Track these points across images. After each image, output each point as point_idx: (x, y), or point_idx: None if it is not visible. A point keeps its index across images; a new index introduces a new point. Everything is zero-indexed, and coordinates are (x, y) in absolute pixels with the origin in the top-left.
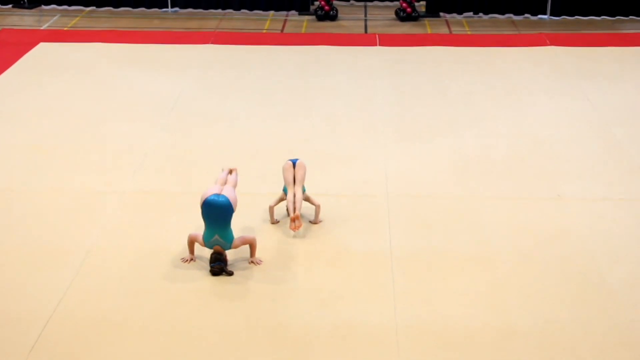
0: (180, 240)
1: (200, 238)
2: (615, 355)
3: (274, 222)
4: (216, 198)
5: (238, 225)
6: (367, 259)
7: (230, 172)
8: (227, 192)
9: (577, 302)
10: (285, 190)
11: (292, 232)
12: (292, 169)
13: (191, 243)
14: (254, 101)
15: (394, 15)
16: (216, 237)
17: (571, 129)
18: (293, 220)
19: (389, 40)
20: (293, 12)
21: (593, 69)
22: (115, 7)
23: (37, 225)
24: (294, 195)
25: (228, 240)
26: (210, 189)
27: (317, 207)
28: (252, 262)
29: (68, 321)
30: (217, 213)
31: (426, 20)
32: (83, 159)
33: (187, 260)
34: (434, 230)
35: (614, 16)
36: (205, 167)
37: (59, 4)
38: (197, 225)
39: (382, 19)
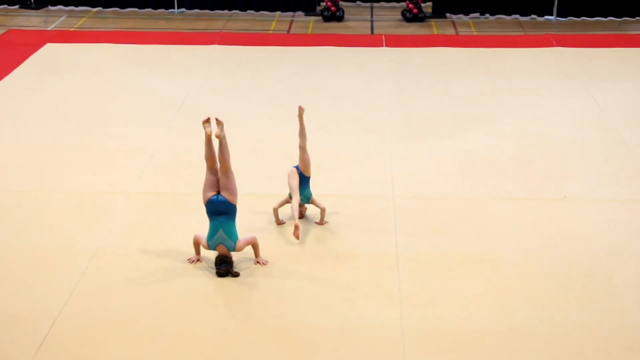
0: (186, 241)
1: (204, 240)
2: (621, 358)
3: (280, 222)
4: (217, 198)
5: (244, 226)
6: (373, 261)
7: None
8: (226, 189)
9: (583, 304)
10: (291, 195)
11: None
12: (296, 175)
13: (196, 244)
14: (259, 102)
15: (400, 16)
16: (220, 232)
17: (578, 130)
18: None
19: (395, 41)
20: (299, 12)
21: (600, 70)
22: (122, 7)
23: (43, 226)
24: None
25: (232, 238)
26: (207, 190)
27: (323, 210)
28: (257, 262)
29: (74, 322)
30: (220, 209)
31: (432, 21)
32: (89, 160)
33: (193, 261)
34: (440, 231)
35: (621, 17)
36: None
37: (66, 5)
38: (203, 226)
39: (389, 20)
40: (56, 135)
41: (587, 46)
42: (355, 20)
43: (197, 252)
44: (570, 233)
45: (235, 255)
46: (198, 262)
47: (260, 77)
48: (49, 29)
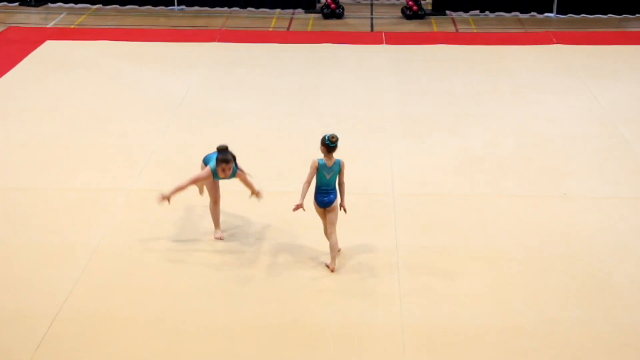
0: (187, 238)
1: (201, 179)
2: (621, 356)
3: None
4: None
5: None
6: (373, 258)
7: None
8: None
9: (583, 301)
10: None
11: (298, 232)
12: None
13: (178, 190)
14: (259, 99)
15: (400, 14)
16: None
17: (578, 127)
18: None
19: (395, 39)
20: (299, 10)
21: (600, 68)
22: (122, 5)
23: (44, 223)
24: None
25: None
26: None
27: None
28: (252, 195)
29: (75, 318)
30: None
31: (432, 19)
32: (89, 157)
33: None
34: (439, 229)
35: (621, 14)
36: None
37: (66, 2)
38: (204, 223)
39: (389, 17)
40: (56, 132)
41: (587, 43)
42: (355, 18)
43: (175, 194)
44: (570, 230)
45: (236, 243)
46: (166, 202)
47: (260, 75)
48: (48, 26)
